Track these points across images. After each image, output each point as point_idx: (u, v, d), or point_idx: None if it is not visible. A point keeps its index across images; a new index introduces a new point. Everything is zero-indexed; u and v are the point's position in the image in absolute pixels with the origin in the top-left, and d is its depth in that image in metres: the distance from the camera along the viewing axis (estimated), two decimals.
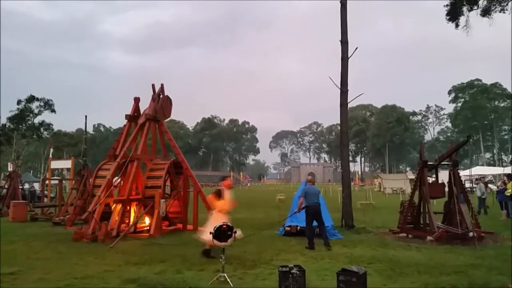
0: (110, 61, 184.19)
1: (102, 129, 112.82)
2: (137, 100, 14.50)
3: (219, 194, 8.57)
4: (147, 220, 13.31)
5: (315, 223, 10.43)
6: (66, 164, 25.61)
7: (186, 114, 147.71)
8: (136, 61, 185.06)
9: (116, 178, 14.05)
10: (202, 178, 71.67)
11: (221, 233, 6.47)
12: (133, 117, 14.18)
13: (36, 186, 30.60)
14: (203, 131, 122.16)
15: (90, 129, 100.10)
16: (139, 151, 13.40)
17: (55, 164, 25.94)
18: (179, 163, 14.24)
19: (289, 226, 12.04)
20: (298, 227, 11.82)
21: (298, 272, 5.98)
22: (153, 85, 14.39)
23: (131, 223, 12.55)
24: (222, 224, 6.51)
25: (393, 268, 7.60)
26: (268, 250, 9.58)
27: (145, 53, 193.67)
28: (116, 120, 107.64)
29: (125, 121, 14.51)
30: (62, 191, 21.19)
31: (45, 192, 22.66)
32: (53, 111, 52.77)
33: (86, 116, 19.64)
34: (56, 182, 21.89)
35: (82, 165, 18.00)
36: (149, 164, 13.75)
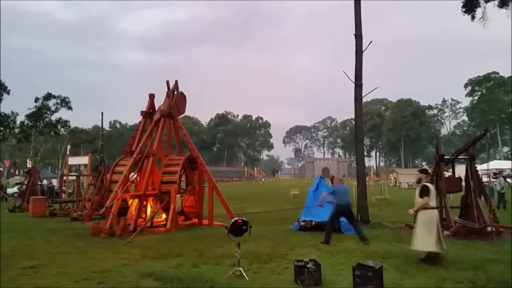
0: (126, 59, 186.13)
1: (118, 125, 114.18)
2: (152, 96, 14.63)
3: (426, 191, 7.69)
4: (163, 215, 13.46)
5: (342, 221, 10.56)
6: (83, 160, 25.94)
7: (200, 110, 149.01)
8: (151, 58, 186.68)
9: (132, 173, 14.24)
10: (216, 173, 72.10)
11: (236, 227, 6.51)
12: (148, 114, 14.31)
13: (54, 182, 31.12)
14: (217, 126, 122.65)
15: (106, 126, 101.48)
16: (155, 147, 13.53)
17: (73, 160, 26.34)
18: (194, 159, 14.35)
19: (304, 221, 12.04)
20: (313, 222, 11.82)
21: (313, 267, 5.99)
22: (167, 82, 14.50)
23: (147, 218, 12.70)
24: (237, 218, 6.55)
25: (410, 263, 7.55)
26: (283, 244, 9.60)
27: (160, 51, 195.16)
28: (132, 116, 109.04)
29: (140, 118, 14.66)
30: (80, 187, 21.52)
31: (63, 188, 23.05)
32: (69, 108, 53.66)
33: (102, 113, 19.90)
34: (74, 178, 22.21)
35: (99, 161, 18.25)
36: (164, 159, 13.89)
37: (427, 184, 7.67)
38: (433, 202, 7.60)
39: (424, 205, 7.53)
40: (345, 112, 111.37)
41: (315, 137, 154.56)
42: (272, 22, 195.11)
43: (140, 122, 14.93)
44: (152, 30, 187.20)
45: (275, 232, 11.66)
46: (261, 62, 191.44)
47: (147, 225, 12.27)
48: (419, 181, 8.11)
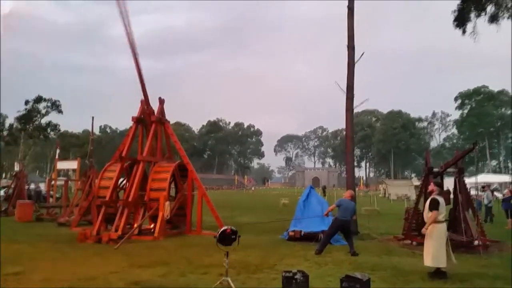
0: (120, 64, 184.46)
1: (108, 130, 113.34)
2: (143, 102, 14.55)
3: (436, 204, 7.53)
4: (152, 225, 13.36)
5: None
6: (72, 165, 25.74)
7: (192, 117, 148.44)
8: (146, 64, 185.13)
9: (121, 179, 14.15)
10: (206, 181, 71.83)
11: (225, 236, 6.47)
12: (139, 120, 14.24)
13: (42, 186, 30.75)
14: (209, 134, 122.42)
15: (96, 131, 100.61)
16: (145, 153, 13.45)
17: (61, 165, 26.10)
18: (184, 166, 14.28)
19: (293, 231, 12.02)
20: (302, 232, 11.81)
21: (301, 278, 5.97)
22: (160, 99, 14.54)
23: (135, 225, 12.58)
24: (226, 228, 6.51)
25: (397, 275, 7.56)
26: (271, 255, 9.57)
27: (155, 56, 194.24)
28: (123, 121, 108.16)
29: (131, 123, 14.57)
30: (68, 192, 21.29)
31: (51, 192, 22.79)
32: (60, 111, 53.11)
33: (93, 118, 19.77)
34: (62, 182, 21.98)
35: (88, 166, 18.09)
36: (154, 166, 13.82)
37: (437, 197, 7.64)
38: (442, 215, 7.58)
39: (434, 219, 7.48)
40: (337, 122, 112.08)
41: (306, 147, 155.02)
42: (266, 31, 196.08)
43: (131, 127, 14.84)
44: (147, 36, 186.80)
45: (264, 241, 11.63)
46: (254, 70, 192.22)
47: (135, 232, 12.15)
48: (430, 193, 8.11)
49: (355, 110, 15.43)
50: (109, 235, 11.27)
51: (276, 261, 8.74)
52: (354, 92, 14.72)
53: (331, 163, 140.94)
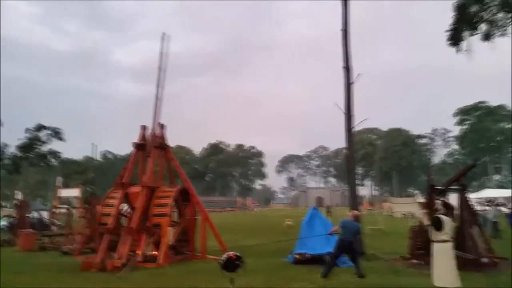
0: (119, 90, 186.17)
1: (110, 156, 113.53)
2: (144, 128, 14.64)
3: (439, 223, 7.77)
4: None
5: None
6: (74, 192, 25.68)
7: (193, 140, 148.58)
8: (144, 89, 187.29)
9: (125, 206, 14.10)
10: (209, 203, 71.42)
11: (230, 262, 6.40)
12: (140, 145, 14.29)
13: (44, 214, 30.60)
14: (210, 156, 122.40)
15: (97, 156, 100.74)
16: (147, 179, 13.44)
17: (63, 192, 26.05)
18: (186, 190, 14.24)
19: (299, 253, 11.89)
20: (309, 255, 11.67)
21: None
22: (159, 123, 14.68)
23: (139, 252, 12.46)
24: (230, 253, 6.45)
25: None
26: (277, 279, 9.46)
27: (153, 82, 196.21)
28: (124, 147, 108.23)
29: (132, 149, 14.61)
30: (71, 219, 21.18)
31: (54, 220, 22.66)
32: (61, 139, 53.32)
33: (96, 145, 19.91)
34: (64, 210, 21.90)
35: (90, 193, 18.06)
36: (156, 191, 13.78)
37: (440, 216, 7.62)
38: (446, 235, 7.52)
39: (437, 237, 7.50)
40: (338, 141, 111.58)
41: (308, 166, 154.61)
42: (263, 52, 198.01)
43: (131, 153, 14.88)
44: (146, 61, 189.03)
45: (269, 265, 11.49)
46: (253, 92, 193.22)
47: (138, 259, 12.03)
48: (435, 211, 8.12)
49: (355, 129, 15.52)
50: (112, 263, 11.16)
51: (282, 285, 8.64)
52: (353, 111, 14.86)
53: (334, 182, 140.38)
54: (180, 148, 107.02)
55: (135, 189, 13.06)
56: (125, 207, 14.37)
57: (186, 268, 11.30)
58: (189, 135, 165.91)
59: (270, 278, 9.48)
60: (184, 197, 14.29)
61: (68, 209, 22.28)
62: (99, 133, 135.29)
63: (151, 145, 14.08)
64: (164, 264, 11.78)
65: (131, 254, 12.16)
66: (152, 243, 13.11)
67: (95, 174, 22.26)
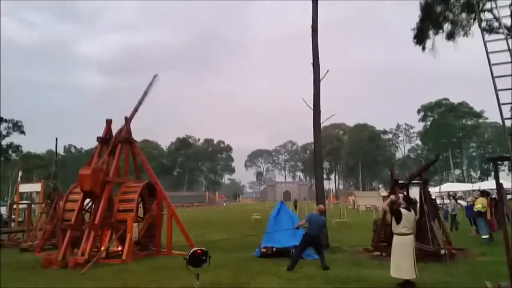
0: (84, 82, 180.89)
1: (73, 150, 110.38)
2: (109, 122, 14.31)
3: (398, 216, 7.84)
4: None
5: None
6: (36, 187, 24.80)
7: (161, 134, 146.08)
8: (111, 83, 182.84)
9: (87, 201, 13.76)
10: (176, 199, 70.69)
11: (196, 258, 6.38)
12: (105, 140, 13.97)
13: (3, 210, 29.39)
14: (178, 151, 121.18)
15: (61, 150, 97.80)
16: (111, 174, 13.16)
17: (24, 188, 25.09)
18: (152, 186, 14.06)
19: (265, 247, 11.98)
20: (274, 248, 11.79)
21: None
22: (125, 117, 14.37)
23: (102, 248, 12.22)
24: (196, 249, 6.43)
25: None
26: (243, 273, 9.49)
27: (121, 75, 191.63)
28: (88, 141, 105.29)
29: (96, 143, 14.27)
30: (31, 215, 20.46)
31: (13, 216, 21.81)
32: (22, 132, 51.45)
33: (56, 139, 19.28)
34: (25, 206, 21.11)
35: (52, 188, 17.51)
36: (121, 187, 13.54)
37: (401, 209, 7.86)
38: (405, 228, 7.74)
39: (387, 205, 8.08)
40: (305, 136, 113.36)
41: (277, 161, 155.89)
42: (233, 49, 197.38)
43: (96, 148, 14.53)
44: (113, 54, 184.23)
45: (236, 259, 11.52)
46: (222, 88, 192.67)
47: (102, 255, 11.79)
48: (395, 204, 8.38)
49: (323, 124, 15.75)
50: (75, 260, 10.90)
51: (248, 280, 8.68)
52: (321, 107, 15.07)
53: (302, 177, 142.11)
54: (147, 142, 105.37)
55: (85, 171, 12.58)
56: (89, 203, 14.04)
57: (151, 264, 11.17)
58: (156, 129, 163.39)
59: (237, 273, 9.51)
60: (150, 192, 14.10)
61: (29, 204, 21.46)
62: (64, 127, 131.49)
63: (116, 140, 13.80)
64: (129, 260, 11.60)
65: (94, 250, 11.92)
66: (117, 239, 12.90)
67: (57, 168, 21.72)
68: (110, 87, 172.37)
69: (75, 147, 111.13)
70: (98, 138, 13.92)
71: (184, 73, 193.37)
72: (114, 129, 14.28)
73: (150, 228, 13.76)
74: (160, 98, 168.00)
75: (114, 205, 13.01)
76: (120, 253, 12.47)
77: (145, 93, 14.94)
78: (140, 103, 14.75)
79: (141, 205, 14.16)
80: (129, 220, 12.22)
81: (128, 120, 14.23)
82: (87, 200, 13.61)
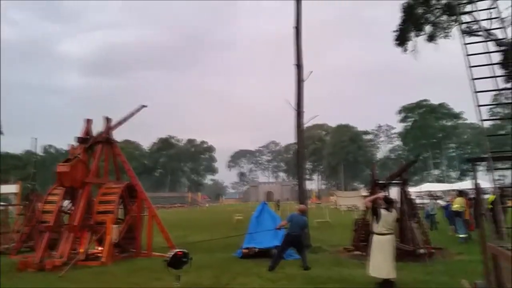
0: (65, 82, 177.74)
1: (53, 150, 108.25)
2: (89, 122, 14.08)
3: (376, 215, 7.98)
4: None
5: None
6: (13, 188, 24.29)
7: (142, 134, 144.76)
8: (92, 82, 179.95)
9: (66, 202, 13.53)
10: (158, 199, 70.08)
11: (176, 259, 6.31)
12: (84, 140, 13.74)
13: None
14: (160, 151, 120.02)
15: (39, 151, 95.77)
16: (91, 175, 12.95)
17: (1, 189, 24.57)
18: (133, 187, 13.87)
19: (247, 248, 11.96)
20: (256, 249, 11.78)
21: None
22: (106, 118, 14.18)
23: (81, 250, 12.01)
24: (177, 250, 6.36)
25: (348, 287, 7.72)
26: (225, 274, 9.45)
27: (103, 74, 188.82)
28: (68, 141, 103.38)
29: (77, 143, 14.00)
30: (8, 217, 19.97)
31: None
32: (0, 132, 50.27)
33: (36, 139, 18.85)
34: (2, 207, 20.59)
35: (30, 190, 17.13)
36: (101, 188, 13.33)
37: (380, 209, 7.93)
38: (384, 228, 7.81)
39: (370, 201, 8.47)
40: (288, 136, 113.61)
41: (260, 161, 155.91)
42: (217, 49, 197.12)
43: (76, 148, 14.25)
44: (95, 53, 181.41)
45: (218, 260, 11.46)
46: (206, 87, 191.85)
47: (81, 257, 11.58)
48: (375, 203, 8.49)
49: (306, 124, 15.82)
50: (53, 262, 10.69)
51: (229, 281, 8.65)
52: (304, 108, 15.13)
53: (284, 177, 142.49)
54: (128, 143, 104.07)
55: (63, 168, 12.33)
56: (68, 204, 13.79)
57: (131, 266, 11.02)
58: (138, 129, 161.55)
59: (218, 274, 9.47)
60: (131, 193, 13.91)
61: (5, 206, 20.96)
62: (42, 127, 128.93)
63: (96, 140, 13.59)
64: (108, 262, 11.42)
65: (73, 253, 11.71)
66: (96, 241, 12.70)
67: (36, 169, 21.29)
68: (92, 87, 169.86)
69: (55, 147, 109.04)
70: (78, 138, 13.68)
71: (167, 72, 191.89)
72: (96, 129, 14.10)
73: (130, 229, 13.57)
74: (142, 97, 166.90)
75: (94, 206, 12.80)
76: (99, 255, 12.27)
77: (126, 119, 14.77)
78: (120, 123, 14.54)
79: (121, 206, 13.99)
80: (108, 222, 12.04)
81: (108, 120, 14.02)
82: (66, 202, 13.39)
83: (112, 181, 14.22)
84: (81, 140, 13.62)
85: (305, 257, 10.19)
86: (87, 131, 13.89)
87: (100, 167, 13.96)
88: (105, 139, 13.73)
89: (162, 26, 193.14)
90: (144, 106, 15.30)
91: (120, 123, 14.49)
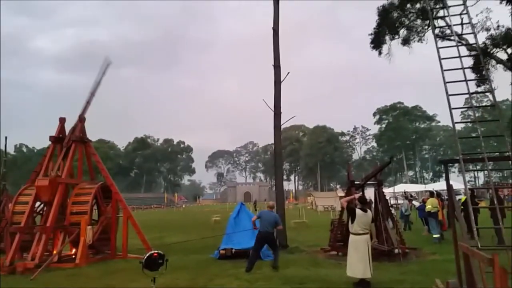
0: (39, 79, 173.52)
1: (24, 149, 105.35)
2: (62, 120, 13.75)
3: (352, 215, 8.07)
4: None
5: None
6: None
7: (118, 134, 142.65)
8: (67, 79, 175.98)
9: (38, 203, 13.18)
10: (134, 200, 69.14)
11: (152, 261, 6.23)
12: (58, 139, 13.41)
13: None
14: (136, 151, 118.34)
15: (11, 150, 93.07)
16: (64, 175, 12.66)
17: None
18: (108, 187, 13.63)
19: (224, 249, 11.90)
20: (233, 250, 11.74)
21: None
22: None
23: (54, 252, 11.72)
24: (152, 252, 6.28)
25: (325, 287, 7.78)
26: (202, 275, 9.38)
27: (78, 71, 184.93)
28: (41, 140, 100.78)
29: (49, 142, 13.67)
30: None
31: None
32: None
33: (6, 138, 18.25)
34: None
35: (0, 190, 16.59)
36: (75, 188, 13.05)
37: (356, 209, 8.03)
38: (360, 228, 7.90)
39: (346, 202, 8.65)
40: (266, 137, 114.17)
41: (237, 162, 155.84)
42: (196, 48, 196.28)
43: (48, 147, 13.91)
44: (70, 50, 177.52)
45: (194, 262, 11.37)
46: (184, 87, 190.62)
47: (54, 259, 11.31)
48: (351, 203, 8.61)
49: (284, 125, 15.87)
50: (24, 265, 10.40)
51: (206, 282, 8.58)
52: (282, 109, 15.18)
53: (262, 178, 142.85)
54: (103, 142, 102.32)
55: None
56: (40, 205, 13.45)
57: (106, 268, 10.82)
58: (113, 129, 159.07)
59: (195, 275, 9.39)
60: (105, 194, 13.67)
61: None
62: (14, 125, 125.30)
63: (70, 139, 13.28)
64: (82, 264, 11.18)
65: (46, 255, 11.41)
66: (70, 243, 12.41)
67: (6, 169, 20.76)
68: (66, 84, 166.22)
69: (26, 146, 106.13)
70: (51, 137, 13.34)
71: (143, 71, 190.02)
72: (69, 128, 13.76)
73: (105, 231, 13.32)
74: (118, 95, 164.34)
75: (67, 207, 12.51)
76: (73, 256, 12.00)
77: (98, 83, 14.11)
78: (92, 94, 13.97)
79: (95, 207, 13.73)
80: (82, 223, 11.78)
81: (81, 115, 13.69)
82: (39, 202, 13.05)
83: (86, 182, 13.93)
84: (54, 140, 13.30)
85: (277, 256, 10.06)
86: (61, 130, 13.57)
87: (74, 167, 13.66)
88: (79, 138, 13.44)
89: (139, 23, 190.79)
90: (107, 61, 14.37)
91: (92, 94, 14.00)
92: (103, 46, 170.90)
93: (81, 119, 13.70)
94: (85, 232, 11.65)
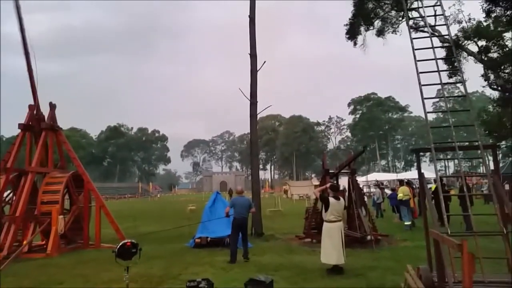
0: (6, 66, 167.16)
1: None
2: (32, 108, 13.33)
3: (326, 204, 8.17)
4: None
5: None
6: None
7: (90, 122, 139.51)
8: (39, 66, 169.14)
9: (7, 192, 12.82)
10: (107, 190, 68.08)
11: (125, 250, 6.14)
12: (27, 126, 13.00)
13: None
14: (109, 140, 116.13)
15: None
16: (34, 163, 12.31)
17: None
18: (79, 176, 13.35)
19: (199, 237, 11.88)
20: (209, 238, 11.74)
21: (206, 286, 5.92)
22: (50, 103, 13.45)
23: (25, 242, 11.43)
24: (126, 241, 6.19)
25: (299, 274, 7.89)
26: (176, 264, 9.34)
27: (49, 58, 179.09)
28: (9, 129, 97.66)
29: (18, 131, 13.24)
30: None
31: None
32: None
33: None
34: None
35: None
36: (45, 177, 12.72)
37: (329, 198, 8.13)
38: (333, 216, 8.01)
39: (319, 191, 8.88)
40: (243, 126, 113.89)
41: (213, 151, 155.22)
42: (171, 36, 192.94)
43: (17, 135, 13.48)
44: (41, 36, 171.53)
45: (169, 251, 11.30)
46: (159, 74, 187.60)
47: (24, 250, 11.04)
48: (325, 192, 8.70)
49: (260, 115, 15.86)
50: None
51: (181, 271, 8.55)
52: (258, 98, 15.16)
53: (238, 167, 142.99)
54: (75, 130, 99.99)
55: None
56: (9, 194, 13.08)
57: (78, 258, 10.63)
58: (85, 117, 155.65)
59: (169, 264, 9.35)
60: (77, 183, 13.39)
61: None
62: None
63: (40, 127, 12.91)
64: (54, 254, 10.96)
65: (15, 245, 11.12)
66: (41, 232, 12.14)
67: None
68: (36, 71, 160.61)
69: None
70: (20, 125, 12.92)
71: (116, 58, 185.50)
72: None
73: (77, 220, 13.09)
74: (90, 82, 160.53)
75: (38, 196, 12.21)
76: (44, 247, 11.75)
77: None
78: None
79: (67, 196, 13.45)
80: (54, 212, 11.52)
81: (52, 106, 13.33)
82: (7, 192, 12.68)
83: (57, 171, 13.59)
84: (24, 127, 12.89)
85: (247, 245, 9.91)
86: (31, 118, 13.16)
87: (43, 156, 13.30)
88: (50, 126, 13.08)
89: (112, 9, 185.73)
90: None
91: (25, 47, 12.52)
92: (75, 32, 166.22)
93: (52, 106, 13.34)
94: (57, 221, 11.41)
